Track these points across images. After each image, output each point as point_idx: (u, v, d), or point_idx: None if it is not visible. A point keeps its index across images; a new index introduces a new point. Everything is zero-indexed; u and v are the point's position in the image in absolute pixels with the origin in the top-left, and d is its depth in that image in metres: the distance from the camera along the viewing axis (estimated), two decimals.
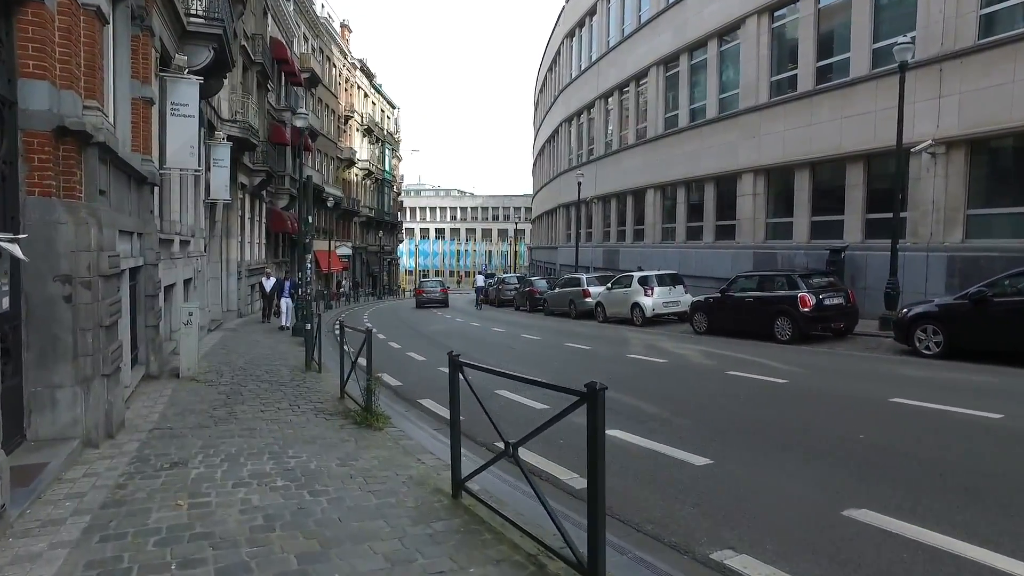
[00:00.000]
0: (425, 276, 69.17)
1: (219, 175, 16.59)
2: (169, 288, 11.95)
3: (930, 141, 15.56)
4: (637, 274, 20.22)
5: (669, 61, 27.31)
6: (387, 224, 65.35)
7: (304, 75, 36.76)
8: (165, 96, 10.75)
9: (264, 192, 27.84)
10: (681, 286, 19.93)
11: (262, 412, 7.44)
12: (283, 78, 33.73)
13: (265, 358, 12.47)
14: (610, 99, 33.56)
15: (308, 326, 11.12)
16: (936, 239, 15.87)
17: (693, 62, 25.82)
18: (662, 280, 19.76)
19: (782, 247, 20.70)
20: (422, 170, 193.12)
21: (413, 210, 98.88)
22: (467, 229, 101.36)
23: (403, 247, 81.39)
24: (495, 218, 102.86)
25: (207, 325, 16.75)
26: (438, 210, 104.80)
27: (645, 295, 19.25)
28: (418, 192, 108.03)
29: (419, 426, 7.13)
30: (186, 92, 10.55)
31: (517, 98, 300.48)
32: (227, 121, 19.74)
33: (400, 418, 7.40)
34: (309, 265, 12.42)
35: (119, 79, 8.31)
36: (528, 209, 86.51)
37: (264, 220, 28.37)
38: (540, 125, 54.01)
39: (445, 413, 8.02)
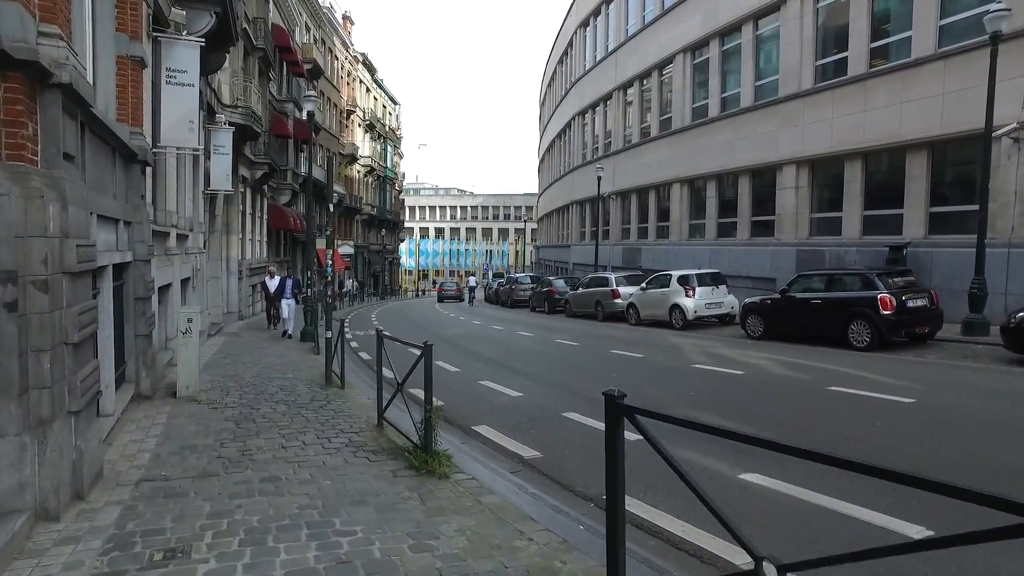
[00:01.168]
0: (425, 276, 79.46)
1: (220, 163, 14.91)
2: (164, 289, 10.28)
3: (1014, 124, 13.94)
4: (676, 273, 18.57)
5: (697, 48, 25.69)
6: (389, 223, 63.61)
7: (306, 66, 35.02)
8: (159, 62, 9.08)
9: (265, 187, 26.14)
10: (724, 286, 18.30)
11: (284, 449, 5.78)
12: (285, 68, 32.03)
13: (276, 369, 10.80)
14: (629, 90, 31.92)
15: (328, 334, 9.43)
16: (1019, 234, 14.24)
17: (725, 48, 24.20)
18: (702, 280, 18.12)
19: (830, 244, 19.07)
20: (420, 169, 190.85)
21: (412, 209, 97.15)
22: (467, 228, 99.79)
23: (403, 246, 79.81)
24: (495, 217, 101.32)
25: (207, 330, 15.07)
26: (437, 209, 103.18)
27: (686, 296, 17.59)
28: (417, 191, 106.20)
29: (491, 468, 5.47)
30: (185, 56, 8.87)
31: (516, 96, 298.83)
32: (228, 106, 18.06)
33: (462, 455, 5.74)
34: (329, 261, 10.73)
35: (100, 27, 6.64)
36: (529, 208, 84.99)
37: (265, 216, 26.66)
38: (549, 120, 52.35)
39: (509, 444, 6.38)
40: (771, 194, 21.56)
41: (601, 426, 6.94)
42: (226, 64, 18.34)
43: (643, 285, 19.74)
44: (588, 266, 34.93)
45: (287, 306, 16.84)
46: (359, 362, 12.88)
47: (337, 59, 46.66)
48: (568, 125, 42.96)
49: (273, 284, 17.97)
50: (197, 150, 9.80)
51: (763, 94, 22.14)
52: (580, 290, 24.10)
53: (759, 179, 22.36)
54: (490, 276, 59.29)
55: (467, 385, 9.76)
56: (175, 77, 8.73)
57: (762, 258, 21.62)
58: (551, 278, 31.68)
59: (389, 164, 63.61)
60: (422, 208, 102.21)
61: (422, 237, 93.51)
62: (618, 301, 20.92)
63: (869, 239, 17.92)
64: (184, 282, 12.26)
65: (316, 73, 38.34)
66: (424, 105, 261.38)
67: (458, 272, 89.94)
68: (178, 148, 9.29)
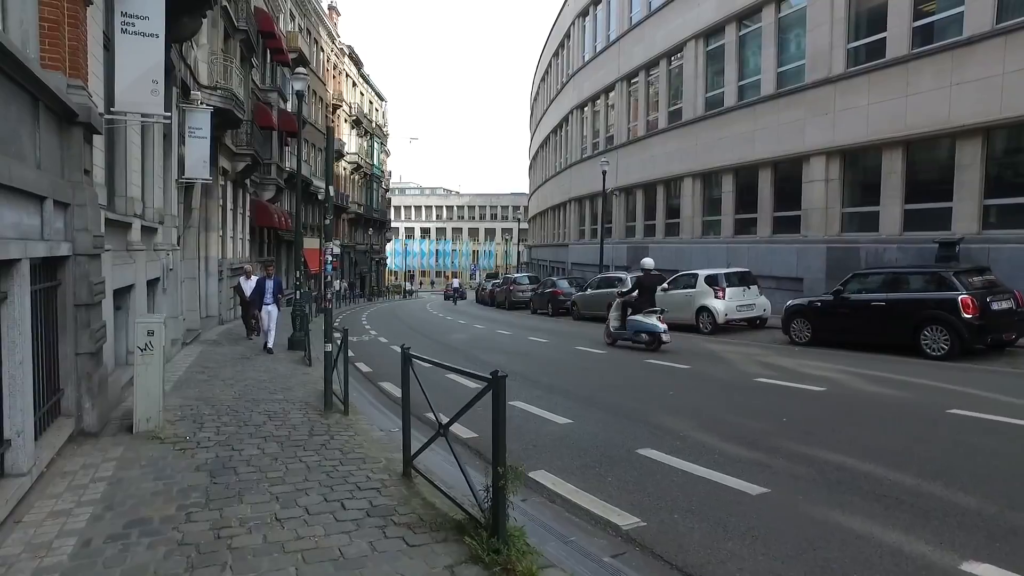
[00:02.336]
0: (411, 277, 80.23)
1: (196, 148, 13.04)
2: (124, 291, 8.41)
3: None
4: (703, 272, 16.98)
5: (711, 33, 24.14)
6: (376, 222, 61.55)
7: (291, 55, 33.02)
8: (112, 6, 7.23)
9: (248, 181, 24.17)
10: (755, 287, 16.74)
11: (279, 524, 3.99)
12: (268, 55, 30.05)
13: (262, 388, 8.96)
14: (634, 80, 30.33)
15: (327, 346, 7.64)
16: None
17: (742, 33, 22.68)
18: (731, 279, 16.55)
19: (865, 241, 17.56)
20: (405, 168, 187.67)
21: (397, 208, 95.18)
22: (453, 228, 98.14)
23: (389, 247, 77.99)
24: (482, 217, 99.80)
25: (181, 338, 13.16)
26: (423, 209, 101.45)
27: (716, 297, 15.99)
28: (402, 191, 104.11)
29: (584, 552, 3.71)
30: (145, 0, 7.03)
31: (502, 95, 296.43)
32: (206, 87, 16.12)
33: (532, 524, 3.99)
34: (329, 257, 8.91)
35: None
36: (516, 208, 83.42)
37: (248, 213, 24.68)
38: (542, 117, 50.66)
39: (590, 503, 4.52)
40: (797, 187, 20.02)
41: (704, 472, 5.21)
42: (204, 41, 16.46)
43: (664, 286, 18.09)
44: (588, 266, 33.29)
45: (268, 315, 13.48)
46: (359, 376, 11.07)
47: (323, 51, 44.67)
48: (565, 120, 41.30)
49: (249, 286, 14.55)
50: (167, 118, 7.93)
51: (787, 81, 20.62)
52: (589, 291, 22.42)
53: (783, 171, 20.84)
54: (479, 277, 58.46)
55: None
56: (133, 24, 6.90)
57: (787, 256, 20.08)
58: (554, 278, 29.98)
59: (376, 161, 61.59)
60: (407, 208, 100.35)
61: (407, 237, 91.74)
62: None
63: (911, 235, 16.43)
64: (152, 284, 10.38)
65: (301, 63, 36.31)
66: (409, 103, 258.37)
67: (444, 274, 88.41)
68: (142, 115, 7.44)
